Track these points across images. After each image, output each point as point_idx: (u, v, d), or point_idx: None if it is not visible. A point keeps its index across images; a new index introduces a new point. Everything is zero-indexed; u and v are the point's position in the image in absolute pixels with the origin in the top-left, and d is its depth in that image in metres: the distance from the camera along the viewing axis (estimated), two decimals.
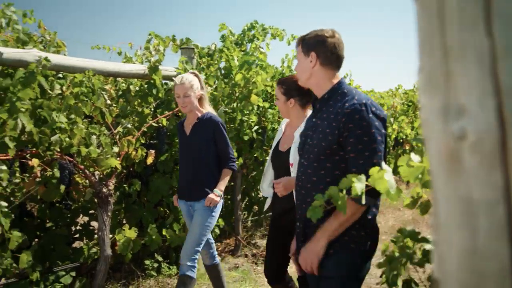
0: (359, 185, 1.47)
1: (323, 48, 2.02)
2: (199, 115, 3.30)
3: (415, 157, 1.25)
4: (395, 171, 2.77)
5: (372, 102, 1.97)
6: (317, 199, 1.58)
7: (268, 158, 3.04)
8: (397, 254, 1.55)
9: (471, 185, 0.48)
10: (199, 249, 3.21)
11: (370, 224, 2.01)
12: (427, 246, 1.55)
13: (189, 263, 3.15)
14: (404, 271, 1.56)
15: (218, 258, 3.56)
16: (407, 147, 8.71)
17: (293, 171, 2.63)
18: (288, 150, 2.75)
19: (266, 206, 3.13)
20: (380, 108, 1.99)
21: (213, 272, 3.53)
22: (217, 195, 3.22)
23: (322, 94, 2.07)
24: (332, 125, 1.96)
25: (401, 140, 8.74)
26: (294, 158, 2.63)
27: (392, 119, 8.17)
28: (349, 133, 1.91)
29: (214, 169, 3.29)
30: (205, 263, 3.53)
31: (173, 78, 4.17)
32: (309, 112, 2.78)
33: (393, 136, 8.24)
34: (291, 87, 2.73)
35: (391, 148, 8.65)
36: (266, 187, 3.07)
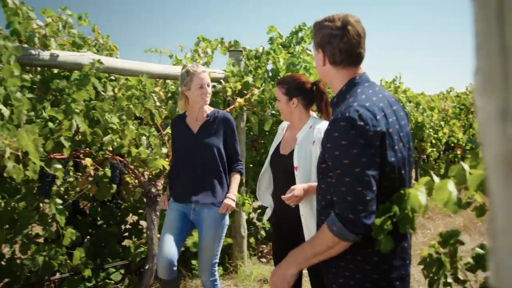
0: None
1: (329, 46, 1.68)
2: (208, 111, 3.07)
3: (466, 166, 1.20)
4: (445, 176, 2.65)
5: (364, 112, 1.53)
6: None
7: (266, 163, 2.83)
8: (437, 256, 1.51)
9: None
10: (217, 260, 3.04)
11: (379, 270, 1.60)
12: (480, 251, 1.49)
13: (211, 278, 3.03)
14: (446, 273, 1.51)
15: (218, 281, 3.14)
16: (458, 152, 8.44)
17: (298, 174, 2.50)
18: (291, 153, 2.58)
19: (266, 216, 2.90)
20: (379, 119, 1.56)
21: None
22: (233, 200, 3.00)
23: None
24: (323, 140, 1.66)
25: (453, 145, 8.47)
26: (298, 161, 2.51)
27: (443, 123, 7.93)
28: (328, 154, 1.58)
29: (225, 171, 3.04)
30: (203, 278, 3.10)
31: (221, 81, 4.21)
32: (313, 114, 2.68)
33: (444, 140, 7.99)
34: (292, 86, 2.61)
35: (441, 152, 8.40)
36: (263, 195, 2.87)
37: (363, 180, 1.48)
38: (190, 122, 3.05)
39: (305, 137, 2.55)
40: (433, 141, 7.86)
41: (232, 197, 3.00)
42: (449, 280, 1.51)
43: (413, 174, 8.28)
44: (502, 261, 0.51)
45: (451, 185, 1.22)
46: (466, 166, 1.19)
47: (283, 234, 2.71)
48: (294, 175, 2.52)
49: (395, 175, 1.59)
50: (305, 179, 2.48)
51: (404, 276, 1.67)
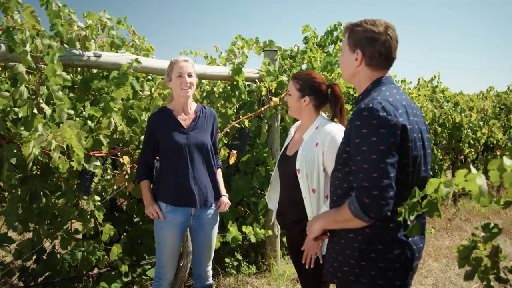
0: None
1: (370, 48, 1.78)
2: (194, 106, 2.92)
3: (508, 161, 1.18)
4: (485, 173, 2.57)
5: (387, 105, 1.64)
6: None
7: (276, 165, 2.77)
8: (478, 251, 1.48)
9: None
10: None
11: (400, 258, 1.73)
12: None
13: (208, 273, 3.03)
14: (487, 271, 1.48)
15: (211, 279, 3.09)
16: (498, 153, 8.20)
17: (300, 177, 2.43)
18: (295, 154, 2.51)
19: (273, 219, 2.94)
20: (401, 113, 1.66)
21: None
22: (227, 197, 3.01)
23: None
24: (345, 133, 1.81)
25: (492, 145, 8.24)
26: (301, 163, 2.42)
27: (481, 123, 7.72)
28: (350, 141, 1.70)
29: (215, 168, 2.96)
30: (196, 285, 3.05)
31: (256, 80, 4.22)
32: (322, 114, 2.59)
33: (483, 141, 7.78)
34: (307, 84, 2.53)
35: (480, 153, 8.19)
36: (269, 198, 2.83)
37: (379, 167, 1.57)
38: (178, 117, 2.84)
39: (310, 138, 2.48)
40: (471, 141, 7.66)
41: (226, 194, 3.03)
42: (491, 278, 1.48)
43: (449, 175, 8.10)
44: None
45: (480, 179, 1.22)
46: (508, 161, 1.16)
47: (290, 233, 2.65)
48: (297, 177, 2.46)
49: (410, 170, 1.69)
50: (307, 182, 2.42)
51: (409, 268, 1.76)
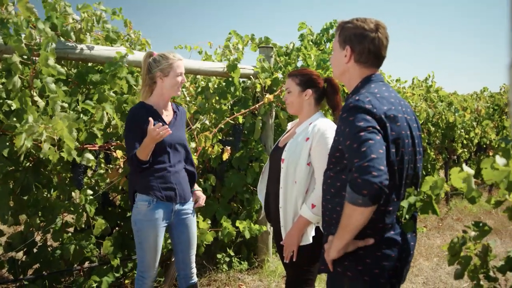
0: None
1: (360, 44, 1.79)
2: (169, 103, 2.91)
3: (500, 160, 1.19)
4: (477, 176, 2.59)
5: (373, 99, 1.68)
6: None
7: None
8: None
9: None
10: None
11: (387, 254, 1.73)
12: None
13: (193, 270, 2.97)
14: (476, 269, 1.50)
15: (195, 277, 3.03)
16: (490, 153, 8.26)
17: (283, 167, 2.46)
18: (285, 145, 2.54)
19: (262, 212, 2.92)
20: (387, 109, 1.69)
21: None
22: (201, 191, 3.03)
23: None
24: (336, 131, 1.82)
25: (484, 146, 8.29)
26: (287, 154, 2.46)
27: (475, 123, 7.76)
28: (340, 135, 1.73)
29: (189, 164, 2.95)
30: (181, 286, 2.98)
31: (251, 77, 4.22)
32: (320, 112, 2.61)
33: (476, 141, 7.83)
34: (306, 78, 2.56)
35: (473, 153, 8.23)
36: (263, 189, 2.80)
37: (367, 142, 1.57)
38: (161, 113, 2.79)
39: (303, 131, 2.50)
40: (465, 141, 7.70)
41: (199, 188, 3.04)
42: (480, 277, 1.49)
43: (442, 175, 8.14)
44: None
45: (468, 169, 1.26)
46: (500, 160, 1.18)
47: (275, 224, 2.63)
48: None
49: (397, 168, 1.70)
50: (289, 173, 2.44)
51: (396, 267, 1.76)
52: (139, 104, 2.81)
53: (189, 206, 2.89)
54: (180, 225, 2.85)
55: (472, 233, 1.49)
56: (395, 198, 1.72)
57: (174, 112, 2.89)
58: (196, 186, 3.02)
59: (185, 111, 3.02)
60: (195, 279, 2.99)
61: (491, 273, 1.51)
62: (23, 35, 2.55)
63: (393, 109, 1.71)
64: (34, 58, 2.65)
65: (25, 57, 2.63)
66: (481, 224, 1.44)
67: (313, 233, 2.39)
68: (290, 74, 2.63)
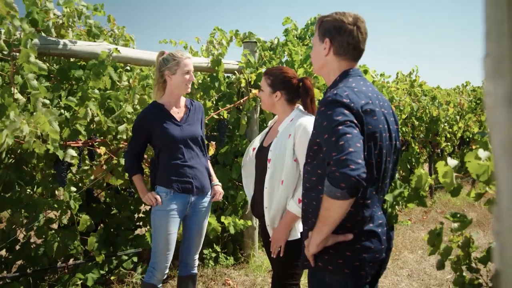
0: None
1: (339, 36, 1.81)
2: (183, 99, 3.00)
3: (483, 153, 1.21)
4: (460, 170, 2.62)
5: (351, 93, 1.70)
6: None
7: (246, 152, 2.81)
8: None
9: None
10: None
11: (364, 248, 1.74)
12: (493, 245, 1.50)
13: (195, 262, 3.06)
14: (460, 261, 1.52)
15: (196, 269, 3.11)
16: (474, 147, 8.35)
17: (269, 167, 2.47)
18: (270, 145, 2.54)
19: (249, 208, 2.94)
20: (364, 103, 1.70)
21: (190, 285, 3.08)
22: (220, 186, 3.12)
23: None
24: (314, 124, 1.82)
25: (467, 139, 8.39)
26: (273, 153, 2.47)
27: (458, 117, 7.85)
28: (318, 128, 1.73)
29: (206, 158, 3.07)
30: (181, 273, 3.06)
31: (235, 72, 4.22)
32: (299, 106, 2.61)
33: (459, 135, 7.92)
34: (278, 79, 2.56)
35: (456, 147, 8.33)
36: (249, 184, 2.79)
37: (345, 136, 1.58)
38: (170, 111, 2.90)
39: (285, 129, 2.51)
40: (448, 135, 7.79)
41: (219, 183, 3.12)
42: (463, 268, 1.52)
43: (426, 169, 8.23)
44: (506, 243, 0.51)
45: (453, 161, 1.29)
46: (482, 153, 1.19)
47: (263, 223, 2.63)
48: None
49: (374, 161, 1.72)
50: (275, 173, 2.45)
51: (376, 258, 1.78)
52: (151, 104, 2.93)
53: (207, 199, 3.00)
54: (194, 215, 2.97)
55: (455, 225, 1.51)
56: (373, 191, 1.74)
57: (187, 108, 2.97)
58: (215, 181, 3.09)
59: (200, 105, 3.07)
60: (195, 270, 3.06)
61: (473, 264, 1.54)
62: (2, 30, 2.51)
63: (370, 103, 1.73)
64: (14, 53, 2.61)
65: (5, 52, 2.59)
66: (458, 216, 1.47)
67: (301, 228, 2.40)
68: (265, 72, 2.64)
